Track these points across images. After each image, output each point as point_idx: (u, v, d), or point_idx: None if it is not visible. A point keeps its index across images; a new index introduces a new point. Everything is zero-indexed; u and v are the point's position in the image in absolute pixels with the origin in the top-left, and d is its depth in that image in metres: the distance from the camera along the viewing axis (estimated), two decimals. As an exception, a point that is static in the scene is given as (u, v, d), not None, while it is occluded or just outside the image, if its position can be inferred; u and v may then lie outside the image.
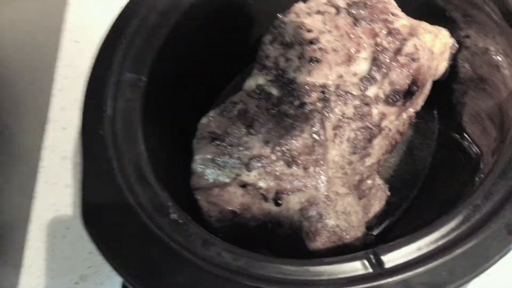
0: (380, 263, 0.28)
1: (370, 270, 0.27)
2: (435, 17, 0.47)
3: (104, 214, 0.28)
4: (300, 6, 0.45)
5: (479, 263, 0.27)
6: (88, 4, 0.68)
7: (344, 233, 0.35)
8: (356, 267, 0.27)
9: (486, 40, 0.45)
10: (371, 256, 0.28)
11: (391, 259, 0.28)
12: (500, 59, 0.43)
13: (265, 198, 0.37)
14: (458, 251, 0.28)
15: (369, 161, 0.41)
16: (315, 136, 0.36)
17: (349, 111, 0.38)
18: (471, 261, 0.27)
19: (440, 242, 0.28)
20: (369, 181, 0.42)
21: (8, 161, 0.48)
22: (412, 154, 0.49)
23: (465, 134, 0.46)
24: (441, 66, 0.47)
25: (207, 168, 0.37)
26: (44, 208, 0.53)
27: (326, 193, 0.35)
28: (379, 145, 0.41)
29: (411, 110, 0.46)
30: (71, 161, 0.56)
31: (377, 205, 0.40)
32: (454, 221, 0.29)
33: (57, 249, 0.51)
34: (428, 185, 0.46)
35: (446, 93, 0.50)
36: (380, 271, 0.27)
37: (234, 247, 0.29)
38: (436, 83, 0.49)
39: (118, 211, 0.29)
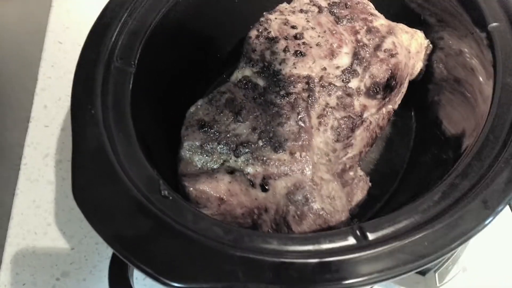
0: (364, 236, 0.29)
1: (355, 241, 0.28)
2: (411, 20, 0.50)
3: (95, 189, 0.29)
4: (284, 5, 0.47)
5: (458, 235, 0.29)
6: (71, 6, 0.69)
7: (329, 216, 0.36)
8: (341, 239, 0.28)
9: (460, 43, 0.47)
10: (356, 230, 0.29)
11: (374, 232, 0.29)
12: (474, 62, 0.45)
13: (252, 184, 0.37)
14: (438, 225, 0.29)
15: (351, 152, 0.42)
16: (300, 123, 0.38)
17: (333, 101, 0.40)
18: (450, 233, 0.29)
19: (420, 217, 0.30)
20: (351, 173, 0.43)
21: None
22: (391, 150, 0.51)
23: (440, 132, 0.48)
24: (417, 65, 0.50)
25: (195, 155, 0.38)
26: (25, 205, 0.52)
27: (311, 177, 0.36)
28: (361, 137, 0.42)
29: (390, 107, 0.48)
30: (53, 158, 0.55)
31: (359, 194, 0.42)
32: (433, 198, 0.31)
33: (38, 245, 0.50)
34: (407, 179, 0.48)
35: (423, 93, 0.52)
36: (365, 243, 0.28)
37: (223, 222, 0.29)
38: (413, 84, 0.52)
39: (109, 186, 0.29)
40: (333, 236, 0.29)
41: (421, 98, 0.52)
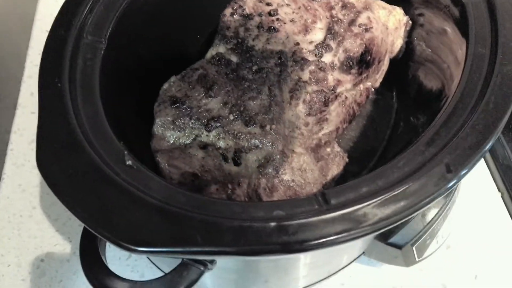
0: (326, 201, 0.29)
1: (317, 207, 0.28)
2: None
3: (59, 159, 0.29)
4: (260, -17, 0.47)
5: (421, 199, 0.29)
6: (60, -4, 0.69)
7: (299, 188, 0.36)
8: (303, 205, 0.28)
9: (440, 19, 0.47)
10: (319, 197, 0.29)
11: (337, 198, 0.29)
12: (452, 37, 0.45)
13: (225, 158, 0.38)
14: (399, 189, 0.29)
15: (327, 127, 0.42)
16: (271, 97, 0.38)
17: (305, 76, 0.40)
18: (412, 196, 0.29)
19: (382, 183, 0.30)
20: (328, 149, 0.43)
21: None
22: (371, 128, 0.50)
23: (418, 107, 0.48)
24: (397, 42, 0.50)
25: (167, 130, 0.38)
26: (11, 189, 0.53)
27: (282, 150, 0.37)
28: (336, 112, 0.42)
29: (369, 84, 0.48)
30: (40, 144, 0.56)
31: (335, 169, 0.42)
32: (398, 165, 0.31)
33: (24, 228, 0.51)
34: (386, 155, 0.47)
35: (404, 71, 0.52)
36: (326, 207, 0.28)
37: (188, 191, 0.29)
38: (394, 64, 0.52)
39: (74, 157, 0.29)
40: (296, 201, 0.29)
41: (402, 76, 0.52)
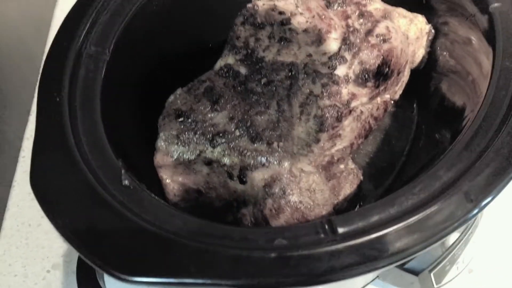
0: (333, 230, 0.27)
1: (322, 236, 0.26)
2: (413, 4, 0.47)
3: (52, 177, 0.28)
4: (274, -10, 0.45)
5: (435, 231, 0.26)
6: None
7: (308, 210, 0.34)
8: (308, 233, 0.26)
9: (465, 28, 0.44)
10: (325, 224, 0.27)
11: (345, 226, 0.27)
12: (478, 48, 0.42)
13: (230, 176, 0.36)
14: (413, 218, 0.27)
15: (340, 143, 0.40)
16: (280, 112, 0.36)
17: (317, 89, 0.38)
18: (426, 229, 0.26)
19: (395, 211, 0.27)
20: (341, 165, 0.41)
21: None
22: (389, 143, 0.48)
23: (441, 122, 0.45)
24: (419, 52, 0.47)
25: (171, 145, 0.37)
26: (21, 197, 0.53)
27: (289, 169, 0.35)
28: (350, 127, 0.40)
29: (387, 96, 0.45)
30: (51, 151, 0.56)
31: (347, 188, 0.39)
32: (413, 190, 0.28)
33: (32, 237, 0.50)
34: (404, 172, 0.45)
35: (426, 83, 0.49)
36: (334, 238, 0.26)
37: (186, 213, 0.28)
38: (416, 74, 0.49)
39: (67, 175, 0.28)
40: (299, 229, 0.27)
41: (424, 87, 0.49)
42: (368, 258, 0.25)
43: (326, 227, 0.27)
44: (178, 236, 0.26)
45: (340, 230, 0.27)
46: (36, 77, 0.61)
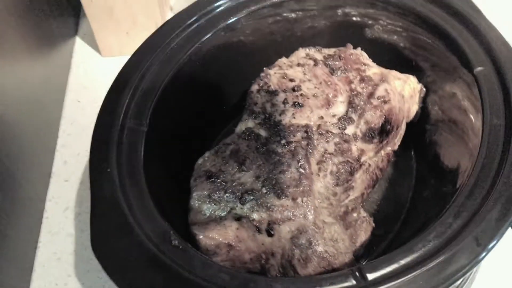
0: (363, 277, 0.31)
1: (354, 283, 0.30)
2: (404, 66, 0.53)
3: (111, 242, 0.31)
4: (282, 60, 0.51)
5: (452, 272, 0.30)
6: (89, 68, 0.74)
7: (333, 258, 0.38)
8: (342, 281, 0.30)
9: (452, 86, 0.50)
10: (356, 272, 0.31)
11: (373, 273, 0.31)
12: (466, 103, 0.47)
13: (258, 230, 0.40)
14: (432, 263, 0.31)
15: (353, 194, 0.44)
16: (301, 170, 0.40)
17: (331, 147, 0.43)
18: (444, 271, 0.30)
19: (415, 257, 0.31)
20: (354, 214, 0.45)
21: (14, 211, 0.51)
22: (393, 190, 0.52)
23: (439, 169, 0.50)
24: (413, 108, 0.53)
25: (203, 204, 0.41)
26: (46, 257, 0.55)
27: (314, 221, 0.38)
28: (361, 179, 0.45)
29: (389, 149, 0.50)
30: (72, 211, 0.59)
31: (363, 236, 0.43)
32: (428, 238, 0.33)
33: (59, 296, 0.52)
34: (410, 216, 0.49)
35: (421, 134, 0.54)
36: (364, 284, 0.30)
37: (230, 268, 0.31)
38: (411, 126, 0.54)
39: (124, 238, 0.31)
40: (334, 278, 0.31)
41: (419, 138, 0.54)
42: (397, 301, 0.29)
43: (357, 274, 0.31)
44: (228, 289, 0.30)
45: (369, 276, 0.31)
46: (55, 141, 0.65)
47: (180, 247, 0.32)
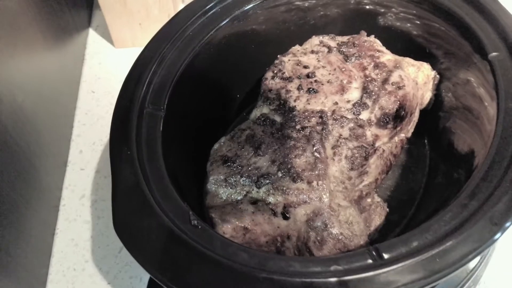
0: (380, 256, 0.31)
1: (371, 261, 0.30)
2: (418, 53, 0.54)
3: (133, 220, 0.32)
4: (296, 47, 0.51)
5: (469, 251, 0.31)
6: (102, 59, 0.75)
7: (348, 241, 0.38)
8: (359, 259, 0.31)
9: (466, 73, 0.50)
10: (373, 251, 0.31)
11: (389, 252, 0.31)
12: (480, 90, 0.47)
13: (274, 213, 0.40)
14: (448, 243, 0.31)
15: (367, 179, 0.45)
16: (316, 154, 0.41)
17: (345, 132, 0.43)
18: (460, 250, 0.31)
19: (431, 236, 0.32)
20: (368, 199, 0.45)
21: (32, 199, 0.52)
22: (407, 177, 0.53)
23: (452, 156, 0.50)
24: (426, 95, 0.53)
25: (220, 188, 0.41)
26: (64, 243, 0.56)
27: (329, 204, 0.39)
28: (375, 164, 0.45)
29: (402, 135, 0.50)
30: (88, 199, 0.60)
31: (377, 220, 0.44)
32: (444, 218, 0.33)
33: (77, 281, 0.53)
34: (424, 202, 0.49)
35: (434, 121, 0.54)
36: (380, 262, 0.30)
37: (249, 247, 0.32)
38: (425, 113, 0.54)
39: (145, 219, 0.32)
40: (351, 257, 0.31)
41: (433, 125, 0.54)
42: (415, 278, 0.29)
43: (374, 253, 0.31)
44: (247, 267, 0.30)
45: (386, 255, 0.31)
46: (70, 131, 0.66)
47: (200, 227, 0.33)
